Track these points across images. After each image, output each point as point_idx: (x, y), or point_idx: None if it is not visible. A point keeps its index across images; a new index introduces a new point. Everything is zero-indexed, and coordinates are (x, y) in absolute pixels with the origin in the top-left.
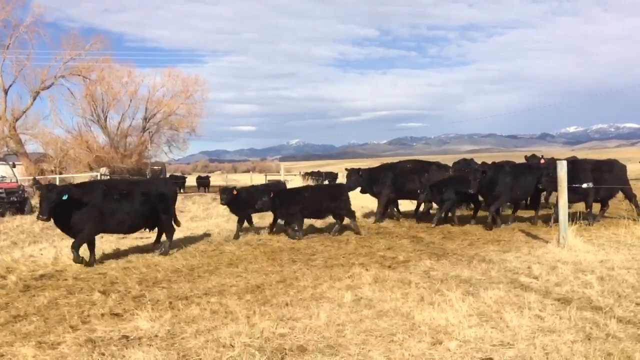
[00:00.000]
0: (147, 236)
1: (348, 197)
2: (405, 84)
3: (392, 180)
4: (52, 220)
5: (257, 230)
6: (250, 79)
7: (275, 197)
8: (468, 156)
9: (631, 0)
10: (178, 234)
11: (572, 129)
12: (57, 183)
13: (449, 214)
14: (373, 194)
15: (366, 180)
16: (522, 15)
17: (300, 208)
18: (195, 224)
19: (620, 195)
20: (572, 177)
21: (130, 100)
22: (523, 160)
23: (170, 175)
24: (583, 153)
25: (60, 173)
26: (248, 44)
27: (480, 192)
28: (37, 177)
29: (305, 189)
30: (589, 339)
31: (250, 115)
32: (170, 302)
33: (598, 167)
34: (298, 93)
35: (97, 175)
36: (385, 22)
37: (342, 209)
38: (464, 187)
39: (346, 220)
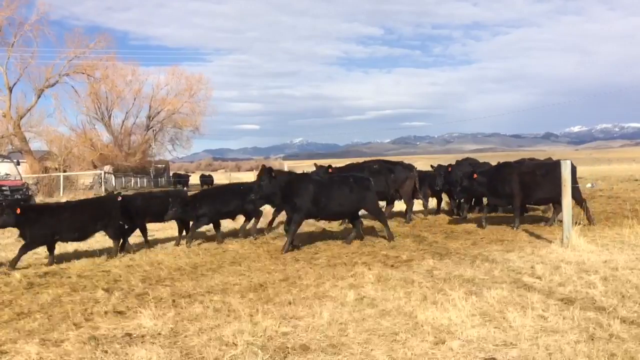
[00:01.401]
0: (151, 234)
1: (118, 214)
2: (409, 82)
3: None
4: None
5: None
6: (253, 78)
7: (22, 214)
8: (472, 156)
9: None
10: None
11: (576, 129)
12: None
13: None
14: None
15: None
16: (526, 14)
17: (51, 233)
18: None
19: (621, 196)
20: (493, 182)
21: (134, 99)
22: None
23: (174, 174)
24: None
25: (64, 171)
26: (251, 42)
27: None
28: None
29: (64, 205)
30: (592, 340)
31: (254, 114)
32: (174, 300)
33: (533, 170)
34: (301, 92)
35: (101, 174)
36: (390, 21)
37: (109, 229)
38: (222, 199)
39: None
